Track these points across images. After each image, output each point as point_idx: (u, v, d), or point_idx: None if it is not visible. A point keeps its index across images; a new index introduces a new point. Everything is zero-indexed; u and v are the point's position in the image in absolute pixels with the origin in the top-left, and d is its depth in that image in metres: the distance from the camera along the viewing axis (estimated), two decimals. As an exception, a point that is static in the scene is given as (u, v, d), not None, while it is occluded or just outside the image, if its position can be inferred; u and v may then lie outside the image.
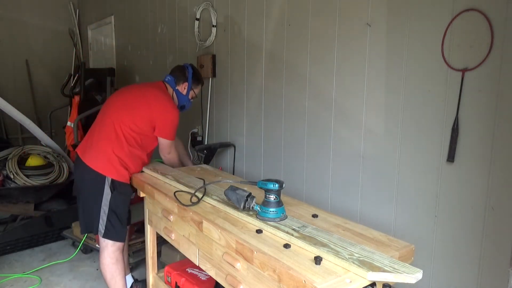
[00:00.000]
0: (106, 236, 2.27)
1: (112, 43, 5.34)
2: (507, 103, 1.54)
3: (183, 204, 1.77)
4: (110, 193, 2.23)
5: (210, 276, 1.79)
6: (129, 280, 2.60)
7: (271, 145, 2.76)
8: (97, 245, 2.98)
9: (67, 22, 6.34)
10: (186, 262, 2.18)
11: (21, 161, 3.57)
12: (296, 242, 1.35)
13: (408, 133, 1.90)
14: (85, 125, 4.42)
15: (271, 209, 1.52)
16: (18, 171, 3.42)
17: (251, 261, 1.34)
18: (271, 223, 1.49)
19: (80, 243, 3.15)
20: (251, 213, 1.59)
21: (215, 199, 1.77)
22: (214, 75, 3.23)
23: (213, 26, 3.15)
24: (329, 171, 2.34)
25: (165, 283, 2.22)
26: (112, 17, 5.23)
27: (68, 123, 4.68)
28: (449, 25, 1.69)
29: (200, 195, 1.82)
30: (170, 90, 2.49)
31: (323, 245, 1.31)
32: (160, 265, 2.52)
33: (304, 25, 2.39)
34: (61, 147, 4.19)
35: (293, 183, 2.54)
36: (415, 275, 1.13)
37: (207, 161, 2.98)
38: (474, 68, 1.62)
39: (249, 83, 2.91)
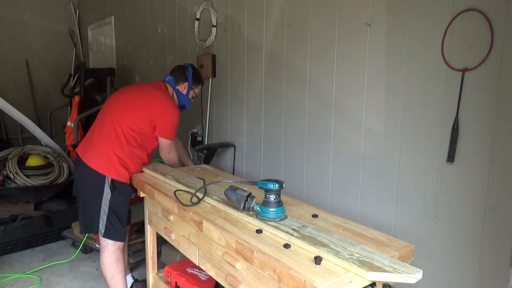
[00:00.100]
0: (106, 236, 2.27)
1: (112, 43, 5.34)
2: (507, 103, 1.54)
3: (183, 204, 1.77)
4: (110, 193, 2.23)
5: (210, 276, 1.79)
6: (129, 280, 2.60)
7: (271, 145, 2.76)
8: (97, 245, 2.98)
9: (67, 22, 6.34)
10: (186, 262, 2.18)
11: (21, 161, 3.56)
12: (296, 242, 1.35)
13: (408, 133, 1.90)
14: (85, 125, 4.42)
15: (271, 209, 1.52)
16: (18, 171, 3.42)
17: (251, 261, 1.34)
18: (271, 223, 1.49)
19: (80, 243, 3.15)
20: (251, 213, 1.59)
21: (215, 199, 1.77)
22: (214, 75, 3.24)
23: (213, 26, 3.15)
24: (329, 171, 2.34)
25: (165, 283, 2.22)
26: (112, 17, 5.23)
27: (68, 123, 4.68)
28: (449, 25, 1.69)
29: (200, 195, 1.82)
30: (170, 90, 2.49)
31: (323, 245, 1.31)
32: (160, 265, 2.52)
33: (304, 25, 2.39)
34: (61, 147, 4.19)
35: (293, 183, 2.54)
36: (415, 275, 1.13)
37: (207, 161, 2.98)
38: (474, 68, 1.62)
39: (249, 83, 2.91)
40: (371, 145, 2.08)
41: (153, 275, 2.33)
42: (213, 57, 3.20)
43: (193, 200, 1.79)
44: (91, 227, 2.32)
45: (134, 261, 2.91)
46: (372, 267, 1.16)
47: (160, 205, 2.02)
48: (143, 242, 2.67)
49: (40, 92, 6.17)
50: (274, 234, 1.44)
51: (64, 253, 3.32)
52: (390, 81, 1.96)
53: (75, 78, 4.74)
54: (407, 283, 1.14)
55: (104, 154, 2.24)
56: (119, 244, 2.32)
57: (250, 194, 1.61)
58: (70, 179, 3.64)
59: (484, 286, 1.67)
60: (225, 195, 1.67)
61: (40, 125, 5.23)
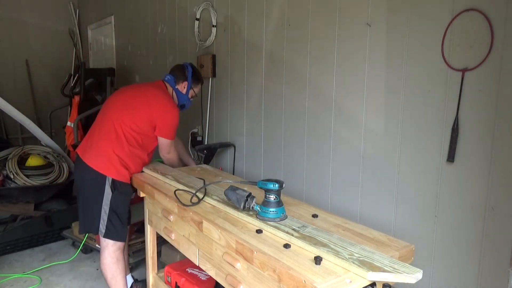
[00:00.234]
0: (107, 236, 2.27)
1: (112, 43, 5.34)
2: (507, 103, 1.54)
3: (184, 204, 1.77)
4: (110, 193, 2.23)
5: (210, 276, 1.79)
6: (129, 280, 2.60)
7: (271, 145, 2.76)
8: (97, 245, 2.98)
9: (67, 22, 6.34)
10: (186, 262, 2.18)
11: (21, 161, 3.56)
12: (296, 242, 1.35)
13: (408, 133, 1.90)
14: (85, 125, 4.42)
15: (271, 209, 1.52)
16: (18, 171, 3.42)
17: (251, 261, 1.34)
18: (271, 223, 1.49)
19: (80, 243, 3.15)
20: (251, 213, 1.59)
21: (215, 199, 1.77)
22: (214, 75, 3.24)
23: (213, 26, 3.15)
24: (329, 171, 2.34)
25: (165, 283, 2.22)
26: (112, 17, 5.23)
27: (68, 123, 4.68)
28: (449, 25, 1.69)
29: (200, 195, 1.82)
30: (170, 89, 2.49)
31: (323, 245, 1.31)
32: (160, 265, 2.52)
33: (304, 25, 2.39)
34: (61, 147, 4.19)
35: (293, 183, 2.54)
36: (415, 275, 1.13)
37: (207, 161, 2.98)
38: (474, 68, 1.62)
39: (249, 83, 2.91)
40: (371, 145, 2.08)
41: (153, 275, 2.33)
42: (213, 57, 3.20)
43: (193, 200, 1.79)
44: (91, 227, 2.32)
45: (134, 261, 2.91)
46: (372, 267, 1.16)
47: (160, 205, 2.02)
48: (143, 242, 2.67)
49: (40, 92, 6.17)
50: (274, 234, 1.44)
51: (64, 253, 3.32)
52: (390, 81, 1.96)
53: (75, 78, 4.75)
54: (407, 283, 1.14)
55: (104, 154, 2.23)
56: (119, 244, 2.32)
57: (250, 194, 1.61)
58: (70, 179, 3.65)
59: (484, 286, 1.67)
60: (225, 195, 1.68)
61: (40, 125, 5.23)
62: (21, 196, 3.39)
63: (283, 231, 1.42)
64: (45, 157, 3.74)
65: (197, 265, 1.76)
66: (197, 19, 3.31)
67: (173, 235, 1.92)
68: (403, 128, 1.92)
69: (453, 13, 1.67)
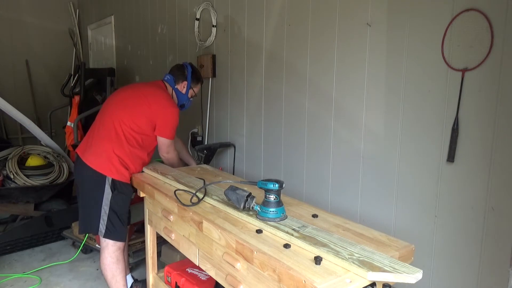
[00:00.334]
0: (107, 236, 2.27)
1: (112, 43, 5.34)
2: (507, 103, 1.54)
3: (183, 204, 1.77)
4: (110, 193, 2.23)
5: (210, 276, 1.79)
6: (129, 280, 2.60)
7: (271, 145, 2.76)
8: (97, 245, 2.98)
9: (67, 22, 6.35)
10: (186, 262, 2.18)
11: (21, 161, 3.56)
12: (296, 242, 1.35)
13: (408, 133, 1.90)
14: (85, 125, 4.43)
15: (271, 209, 1.52)
16: (18, 171, 3.42)
17: (251, 261, 1.34)
18: (271, 223, 1.49)
19: (80, 243, 3.14)
20: (251, 213, 1.59)
21: (215, 199, 1.77)
22: (214, 75, 3.24)
23: (213, 26, 3.15)
24: (329, 171, 2.34)
25: (165, 283, 2.22)
26: (112, 17, 5.23)
27: (68, 123, 4.69)
28: (449, 25, 1.69)
29: (200, 195, 1.82)
30: (169, 89, 2.49)
31: (323, 245, 1.31)
32: (160, 265, 2.52)
33: (304, 25, 2.39)
34: (61, 147, 4.19)
35: (293, 183, 2.54)
36: (415, 275, 1.13)
37: (207, 161, 2.98)
38: (474, 68, 1.62)
39: (249, 83, 2.91)
40: (371, 145, 2.08)
41: (153, 275, 2.33)
42: (213, 57, 3.21)
43: (193, 200, 1.79)
44: (91, 228, 2.32)
45: (134, 261, 2.91)
46: (372, 267, 1.16)
47: (160, 205, 2.02)
48: (143, 242, 2.67)
49: (40, 92, 6.17)
50: (274, 234, 1.44)
51: (64, 253, 3.32)
52: (390, 81, 1.96)
53: (75, 78, 4.75)
54: (407, 283, 1.14)
55: (104, 154, 2.23)
56: (119, 244, 2.32)
57: (250, 194, 1.61)
58: (70, 179, 3.64)
59: (484, 286, 1.67)
60: (225, 195, 1.67)
61: (40, 125, 5.24)
62: (21, 196, 3.39)
63: (283, 231, 1.42)
64: (45, 157, 3.74)
65: (197, 265, 1.76)
66: (197, 19, 3.31)
67: (173, 235, 1.92)
68: (403, 128, 1.92)
69: (453, 13, 1.67)
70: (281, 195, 1.56)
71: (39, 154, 3.73)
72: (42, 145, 3.90)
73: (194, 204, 1.76)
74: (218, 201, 1.76)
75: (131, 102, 2.33)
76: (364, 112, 2.10)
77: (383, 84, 1.99)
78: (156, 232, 2.22)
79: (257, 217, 1.54)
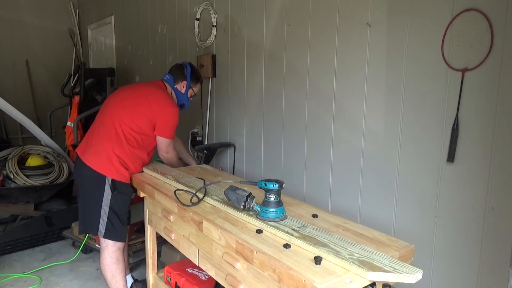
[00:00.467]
0: (106, 236, 2.27)
1: (112, 43, 5.34)
2: (507, 103, 1.54)
3: (183, 204, 1.77)
4: (110, 193, 2.23)
5: (210, 276, 1.79)
6: (129, 280, 2.60)
7: (271, 145, 2.76)
8: (97, 245, 2.98)
9: (67, 22, 6.35)
10: (186, 262, 2.18)
11: (21, 161, 3.56)
12: (296, 242, 1.35)
13: (408, 133, 1.90)
14: (85, 125, 4.43)
15: (271, 209, 1.52)
16: (18, 171, 3.42)
17: (251, 261, 1.34)
18: (271, 223, 1.49)
19: (80, 243, 3.14)
20: (251, 213, 1.59)
21: (215, 199, 1.77)
22: (214, 75, 3.24)
23: (213, 26, 3.15)
24: (329, 171, 2.34)
25: (165, 283, 2.22)
26: (112, 17, 5.23)
27: (68, 123, 4.69)
28: (449, 25, 1.69)
29: (200, 195, 1.82)
30: (169, 88, 2.49)
31: (323, 245, 1.31)
32: (160, 265, 2.52)
33: (304, 25, 2.39)
34: (61, 147, 4.19)
35: (293, 183, 2.54)
36: (415, 275, 1.13)
37: (207, 161, 2.98)
38: (474, 68, 1.62)
39: (249, 83, 2.91)
40: (371, 145, 2.08)
41: (153, 275, 2.33)
42: (213, 57, 3.21)
43: (193, 200, 1.79)
44: (90, 228, 2.32)
45: (134, 261, 2.91)
46: (372, 267, 1.16)
47: (160, 205, 2.02)
48: (143, 242, 2.67)
49: (40, 92, 6.17)
50: (274, 234, 1.44)
51: (64, 253, 3.32)
52: (390, 81, 1.96)
53: (75, 78, 4.75)
54: (407, 283, 1.14)
55: (104, 154, 2.23)
56: (119, 244, 2.32)
57: (250, 194, 1.61)
58: (70, 179, 3.65)
59: (484, 286, 1.67)
60: (225, 195, 1.67)
61: (40, 125, 5.24)
62: (21, 196, 3.39)
63: (283, 231, 1.42)
64: (45, 157, 3.74)
65: (197, 265, 1.76)
66: (197, 19, 3.31)
67: (173, 235, 1.92)
68: (403, 128, 1.92)
69: (453, 13, 1.67)
70: (281, 195, 1.56)
71: (39, 154, 3.73)
72: (42, 145, 3.90)
73: (194, 204, 1.76)
74: (218, 201, 1.76)
75: (131, 102, 2.32)
76: (364, 112, 2.10)
77: (383, 84, 1.99)
78: (156, 232, 2.22)
79: (257, 217, 1.54)
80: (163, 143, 2.37)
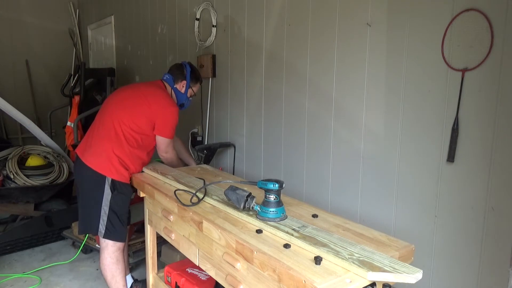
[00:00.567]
0: (106, 236, 2.27)
1: (112, 43, 5.34)
2: (507, 103, 1.54)
3: (183, 204, 1.77)
4: (110, 193, 2.23)
5: (210, 276, 1.79)
6: (129, 280, 2.60)
7: (271, 145, 2.76)
8: (97, 245, 2.98)
9: (67, 22, 6.35)
10: (186, 262, 2.18)
11: (21, 161, 3.56)
12: (296, 242, 1.35)
13: (408, 133, 1.90)
14: (85, 125, 4.43)
15: (271, 209, 1.52)
16: (18, 171, 3.42)
17: (251, 261, 1.34)
18: (271, 223, 1.49)
19: (80, 243, 3.14)
20: (251, 213, 1.59)
21: (215, 199, 1.77)
22: (214, 75, 3.24)
23: (213, 26, 3.15)
24: (329, 171, 2.34)
25: (165, 283, 2.22)
26: (112, 17, 5.23)
27: (68, 123, 4.69)
28: (449, 25, 1.69)
29: (200, 195, 1.82)
30: (169, 88, 2.49)
31: (323, 245, 1.31)
32: (160, 265, 2.52)
33: (304, 25, 2.39)
34: (61, 147, 4.19)
35: (293, 183, 2.54)
36: (415, 275, 1.13)
37: (207, 161, 2.98)
38: (474, 68, 1.62)
39: (249, 83, 2.91)
40: (371, 145, 2.08)
41: (153, 275, 2.33)
42: (213, 57, 3.21)
43: (193, 200, 1.79)
44: (90, 228, 2.32)
45: (134, 261, 2.91)
46: (372, 267, 1.16)
47: (160, 205, 2.02)
48: (143, 242, 2.67)
49: (40, 92, 6.17)
50: (274, 234, 1.44)
51: (64, 253, 3.32)
52: (390, 81, 1.96)
53: (75, 78, 4.75)
54: (407, 283, 1.14)
55: (104, 154, 2.23)
56: (119, 244, 2.32)
57: (250, 194, 1.61)
58: (70, 179, 3.65)
59: (484, 286, 1.67)
60: (225, 195, 1.67)
61: (40, 125, 5.24)
62: (21, 196, 3.39)
63: (283, 231, 1.42)
64: (45, 157, 3.74)
65: (197, 265, 1.76)
66: (197, 19, 3.31)
67: (173, 235, 1.92)
68: (403, 128, 1.92)
69: (453, 13, 1.67)
70: (281, 195, 1.56)
71: (39, 154, 3.73)
72: (42, 145, 3.90)
73: (194, 204, 1.76)
74: (218, 201, 1.76)
75: (131, 102, 2.32)
76: (364, 112, 2.10)
77: (383, 84, 1.99)
78: (156, 232, 2.22)
79: (257, 217, 1.54)
80: (163, 143, 2.37)
